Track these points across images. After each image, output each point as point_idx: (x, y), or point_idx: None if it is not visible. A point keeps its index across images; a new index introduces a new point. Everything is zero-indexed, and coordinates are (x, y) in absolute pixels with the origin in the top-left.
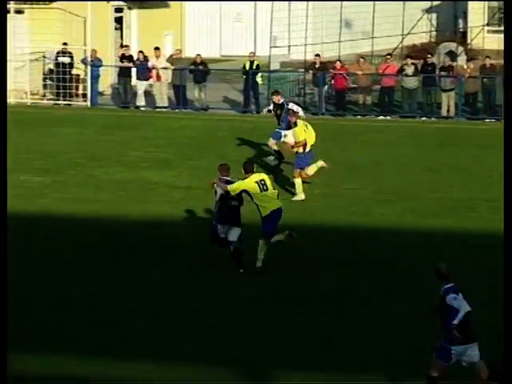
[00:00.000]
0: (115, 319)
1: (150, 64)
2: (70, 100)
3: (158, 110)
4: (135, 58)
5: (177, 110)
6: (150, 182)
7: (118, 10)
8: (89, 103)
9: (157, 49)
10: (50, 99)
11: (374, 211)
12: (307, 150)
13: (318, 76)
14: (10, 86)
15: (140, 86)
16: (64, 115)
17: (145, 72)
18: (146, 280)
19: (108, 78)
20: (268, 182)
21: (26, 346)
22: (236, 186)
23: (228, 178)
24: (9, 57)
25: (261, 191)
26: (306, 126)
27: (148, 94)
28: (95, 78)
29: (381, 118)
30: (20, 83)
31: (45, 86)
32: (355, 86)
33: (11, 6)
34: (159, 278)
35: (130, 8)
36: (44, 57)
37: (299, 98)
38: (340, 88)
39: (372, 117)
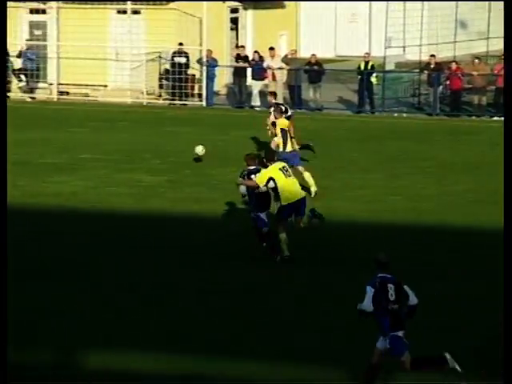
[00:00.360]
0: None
1: (265, 64)
2: (185, 100)
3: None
4: (250, 58)
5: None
6: None
7: (234, 10)
8: (204, 103)
9: (272, 49)
10: (166, 99)
11: (487, 212)
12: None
13: (432, 76)
14: (126, 85)
15: (255, 86)
16: (179, 115)
17: (260, 72)
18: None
19: (223, 78)
20: (290, 170)
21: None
22: (263, 176)
23: (253, 167)
24: (126, 57)
25: (285, 178)
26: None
27: (263, 94)
28: (211, 78)
29: (496, 118)
30: (136, 83)
31: (161, 86)
32: (470, 86)
33: (128, 6)
34: (299, 277)
35: (245, 8)
36: (160, 57)
37: (414, 99)
38: (455, 88)
39: (487, 117)
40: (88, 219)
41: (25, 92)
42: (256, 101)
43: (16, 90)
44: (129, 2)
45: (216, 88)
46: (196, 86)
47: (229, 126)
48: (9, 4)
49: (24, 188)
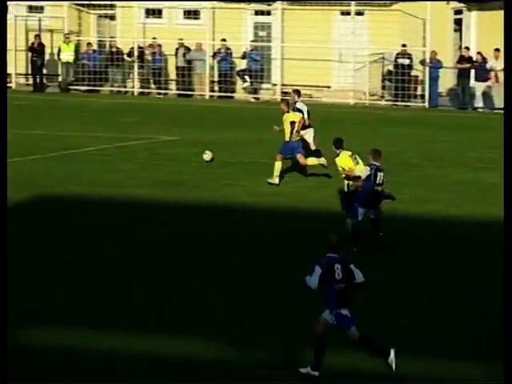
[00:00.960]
0: None
1: (488, 65)
2: (408, 101)
3: (496, 111)
4: (474, 60)
5: None
6: (487, 183)
7: (458, 11)
8: (427, 104)
9: (496, 50)
10: (389, 100)
11: None
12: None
13: None
14: (349, 86)
15: (478, 88)
16: (401, 116)
17: (483, 73)
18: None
19: (447, 80)
20: (358, 157)
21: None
22: (339, 164)
23: (378, 164)
24: (349, 58)
25: (355, 165)
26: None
27: (486, 95)
28: (434, 79)
29: None
30: (359, 84)
31: (383, 87)
32: None
33: (352, 7)
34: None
35: (469, 10)
36: (383, 58)
37: None
38: None
39: None
40: (308, 219)
41: (249, 93)
42: (479, 102)
43: (240, 90)
44: (353, 4)
45: (440, 89)
46: (419, 88)
47: (451, 127)
48: (234, 5)
49: (246, 188)
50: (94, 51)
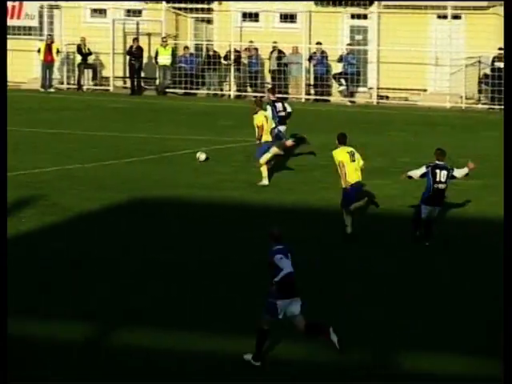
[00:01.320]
0: None
1: None
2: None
3: None
4: None
5: None
6: None
7: None
8: None
9: None
10: (485, 103)
11: None
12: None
13: None
14: (445, 90)
15: None
16: (498, 119)
17: None
18: None
19: None
20: (356, 155)
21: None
22: (334, 157)
23: (440, 162)
24: (445, 61)
25: (350, 161)
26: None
27: None
28: None
29: None
30: (456, 87)
31: (480, 91)
32: None
33: (449, 11)
34: None
35: None
36: (480, 62)
37: None
38: None
39: None
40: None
41: (345, 96)
42: None
43: (336, 93)
44: (449, 7)
45: None
46: None
47: None
48: (330, 9)
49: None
50: (191, 55)
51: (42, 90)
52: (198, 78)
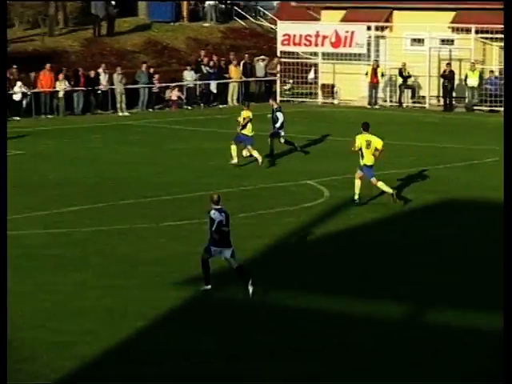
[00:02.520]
0: None
1: None
2: None
3: None
4: None
5: None
6: None
7: None
8: None
9: None
10: None
11: None
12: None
13: None
14: None
15: None
16: None
17: None
18: None
19: None
20: (373, 144)
21: None
22: (356, 140)
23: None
24: None
25: (366, 148)
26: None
27: None
28: None
29: None
30: None
31: None
32: None
33: None
34: None
35: None
36: None
37: None
38: None
39: None
40: None
41: None
42: None
43: None
44: None
45: None
46: None
47: None
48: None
49: None
50: (496, 77)
51: (369, 106)
52: (501, 97)
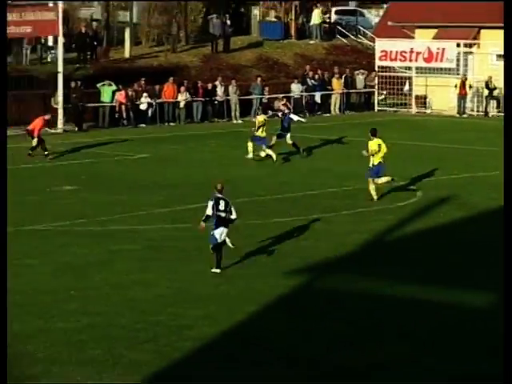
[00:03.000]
0: None
1: None
2: None
3: None
4: None
5: None
6: None
7: None
8: None
9: None
10: None
11: None
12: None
13: None
14: None
15: None
16: None
17: None
18: None
19: None
20: (382, 147)
21: None
22: (369, 147)
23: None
24: None
25: (377, 151)
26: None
27: None
28: None
29: None
30: None
31: None
32: None
33: None
34: None
35: None
36: None
37: None
38: None
39: None
40: None
41: None
42: None
43: None
44: None
45: None
46: None
47: None
48: None
49: None
50: None
51: (458, 115)
52: None
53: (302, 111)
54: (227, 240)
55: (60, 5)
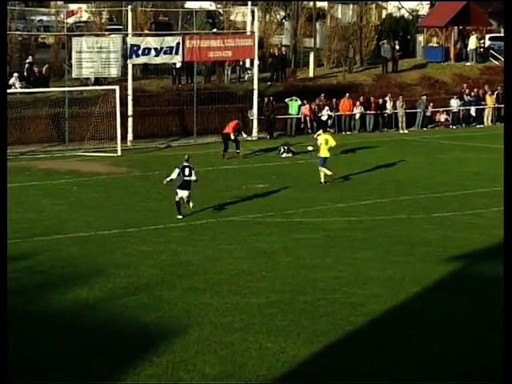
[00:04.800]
0: None
1: None
2: None
3: None
4: None
5: None
6: None
7: None
8: None
9: None
10: None
11: None
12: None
13: None
14: None
15: None
16: None
17: None
18: None
19: None
20: (330, 141)
21: None
22: (318, 138)
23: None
24: None
25: (324, 144)
26: None
27: None
28: None
29: None
30: None
31: None
32: None
33: None
34: None
35: None
36: None
37: None
38: None
39: None
40: None
41: None
42: None
43: None
44: None
45: None
46: None
47: None
48: None
49: None
50: None
51: None
52: None
53: (459, 123)
54: (191, 203)
55: (256, 33)
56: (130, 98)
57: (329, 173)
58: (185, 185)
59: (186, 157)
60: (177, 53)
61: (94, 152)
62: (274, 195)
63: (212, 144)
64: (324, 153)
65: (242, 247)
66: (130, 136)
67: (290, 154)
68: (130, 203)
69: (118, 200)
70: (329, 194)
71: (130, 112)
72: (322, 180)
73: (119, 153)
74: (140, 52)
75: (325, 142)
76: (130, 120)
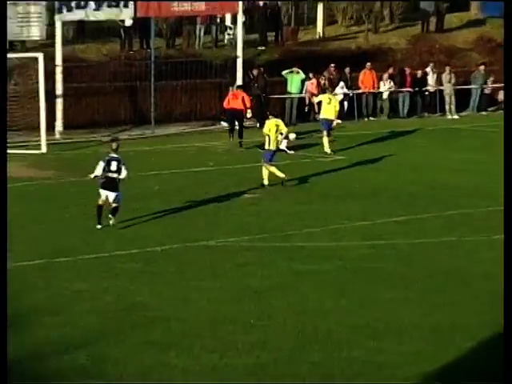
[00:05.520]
0: None
1: None
2: None
3: None
4: None
5: None
6: None
7: None
8: None
9: None
10: None
11: None
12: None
13: None
14: None
15: None
16: None
17: None
18: None
19: None
20: (280, 127)
21: None
22: (266, 125)
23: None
24: None
25: (274, 131)
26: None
27: None
28: None
29: None
30: None
31: None
32: None
33: None
34: None
35: None
36: None
37: None
38: None
39: None
40: None
41: None
42: None
43: None
44: None
45: None
46: None
47: None
48: None
49: None
50: None
51: None
52: None
53: None
54: (111, 220)
55: None
56: (58, 70)
57: (280, 175)
58: (109, 183)
59: (114, 146)
60: (126, 5)
61: (8, 148)
62: (266, 209)
63: (177, 136)
64: (273, 144)
65: (220, 284)
66: (59, 125)
67: (292, 151)
68: (60, 221)
69: (43, 217)
70: (345, 208)
71: (59, 91)
72: (266, 182)
73: (44, 149)
74: (73, 4)
75: (274, 129)
76: (59, 102)
